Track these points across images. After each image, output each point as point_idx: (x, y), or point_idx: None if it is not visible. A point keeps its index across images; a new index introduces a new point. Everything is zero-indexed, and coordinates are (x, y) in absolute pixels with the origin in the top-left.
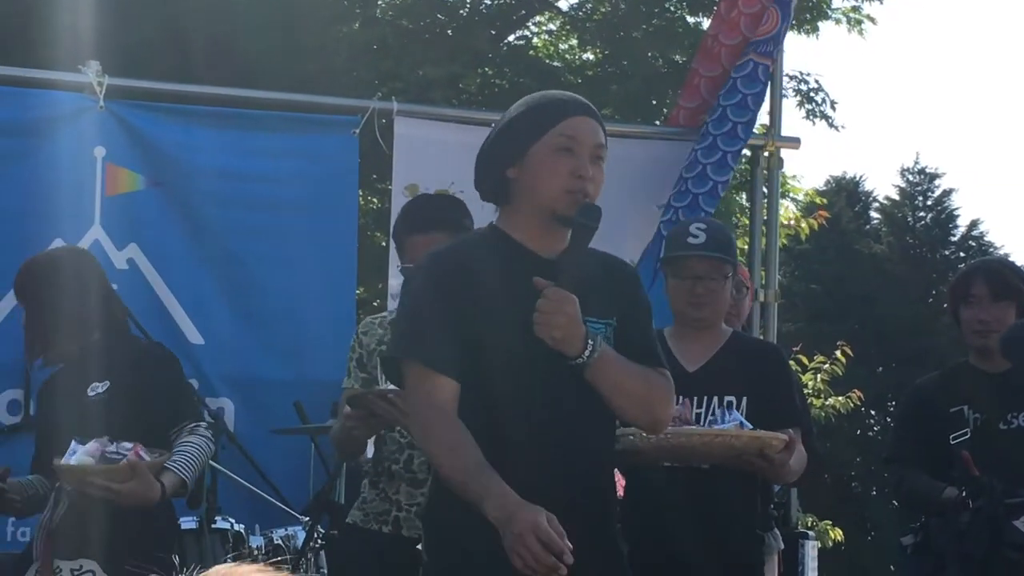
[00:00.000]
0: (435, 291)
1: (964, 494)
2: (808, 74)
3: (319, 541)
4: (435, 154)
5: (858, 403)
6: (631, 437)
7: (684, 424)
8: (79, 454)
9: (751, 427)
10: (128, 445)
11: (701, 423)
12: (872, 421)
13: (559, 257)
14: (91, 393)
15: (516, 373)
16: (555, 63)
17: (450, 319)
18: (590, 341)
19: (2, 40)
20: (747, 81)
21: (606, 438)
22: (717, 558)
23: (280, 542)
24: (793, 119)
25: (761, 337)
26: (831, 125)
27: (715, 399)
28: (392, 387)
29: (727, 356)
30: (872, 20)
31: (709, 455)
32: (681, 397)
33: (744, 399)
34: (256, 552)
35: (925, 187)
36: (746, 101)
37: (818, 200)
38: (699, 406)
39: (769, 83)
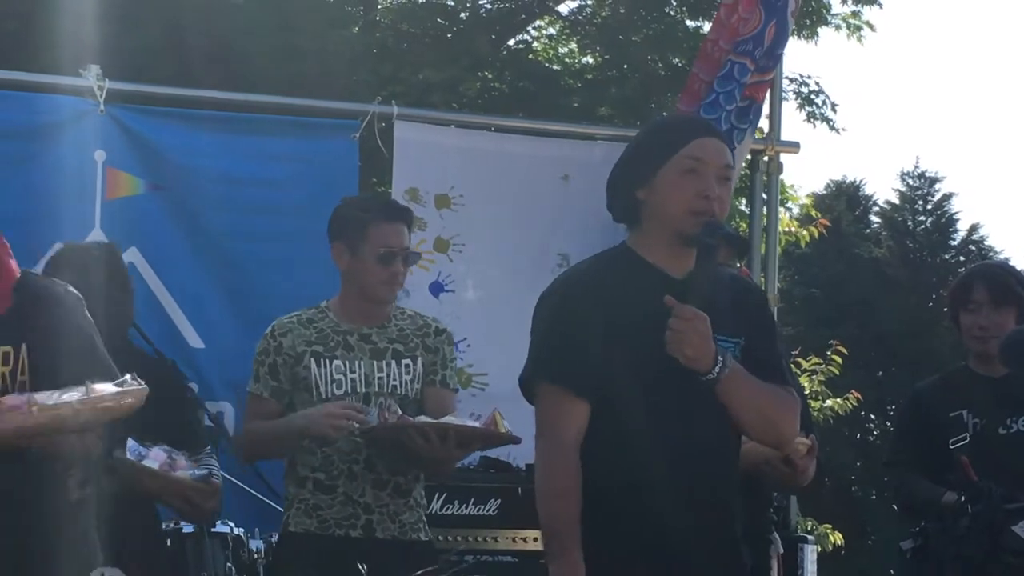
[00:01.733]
0: (571, 313)
1: (963, 499)
2: (808, 76)
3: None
4: (435, 158)
5: (856, 404)
6: None
7: None
8: (149, 460)
9: None
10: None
11: None
12: (872, 425)
13: (688, 275)
14: None
15: (650, 391)
16: (555, 67)
17: (586, 341)
18: (720, 358)
19: (2, 44)
20: (722, 80)
21: (735, 457)
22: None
23: None
24: (794, 122)
25: None
26: (832, 128)
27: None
28: (425, 419)
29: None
30: (871, 27)
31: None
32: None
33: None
34: (256, 556)
35: (925, 191)
36: (718, 100)
37: (814, 213)
38: None
39: (743, 82)
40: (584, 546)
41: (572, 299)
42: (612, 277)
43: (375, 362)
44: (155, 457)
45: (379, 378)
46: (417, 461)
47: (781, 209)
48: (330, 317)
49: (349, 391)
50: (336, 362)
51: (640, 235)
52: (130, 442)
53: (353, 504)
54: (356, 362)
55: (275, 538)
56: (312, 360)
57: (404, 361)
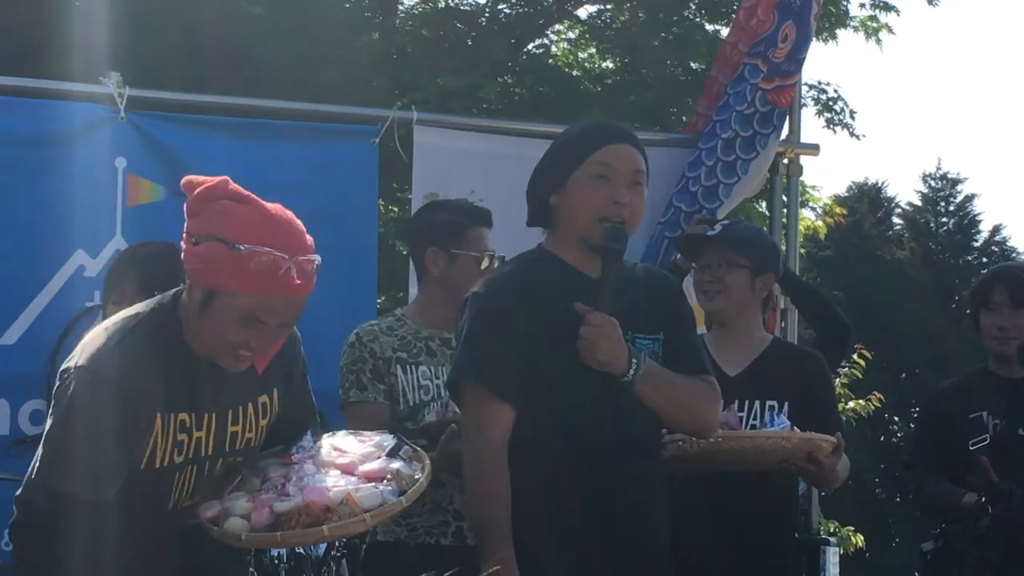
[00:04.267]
0: (493, 314)
1: (984, 500)
2: (827, 84)
3: (341, 550)
4: (455, 163)
5: (878, 405)
6: (680, 443)
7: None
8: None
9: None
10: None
11: (744, 428)
12: (895, 427)
13: (596, 281)
14: None
15: (572, 391)
16: (574, 72)
17: (508, 342)
18: (634, 360)
19: (19, 52)
20: (734, 82)
21: (656, 452)
22: (758, 564)
23: (302, 551)
24: (814, 127)
25: None
26: (852, 134)
27: (756, 404)
28: None
29: (768, 361)
30: (890, 30)
31: (759, 459)
32: (725, 403)
33: (785, 404)
34: (277, 561)
35: (947, 192)
36: (728, 101)
37: (837, 209)
38: (740, 410)
39: (754, 83)
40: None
41: (494, 300)
42: (533, 278)
43: None
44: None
45: None
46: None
47: (802, 211)
48: (408, 324)
49: (436, 396)
50: (422, 368)
51: (555, 238)
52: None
53: (443, 511)
54: (440, 367)
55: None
56: (399, 367)
57: None
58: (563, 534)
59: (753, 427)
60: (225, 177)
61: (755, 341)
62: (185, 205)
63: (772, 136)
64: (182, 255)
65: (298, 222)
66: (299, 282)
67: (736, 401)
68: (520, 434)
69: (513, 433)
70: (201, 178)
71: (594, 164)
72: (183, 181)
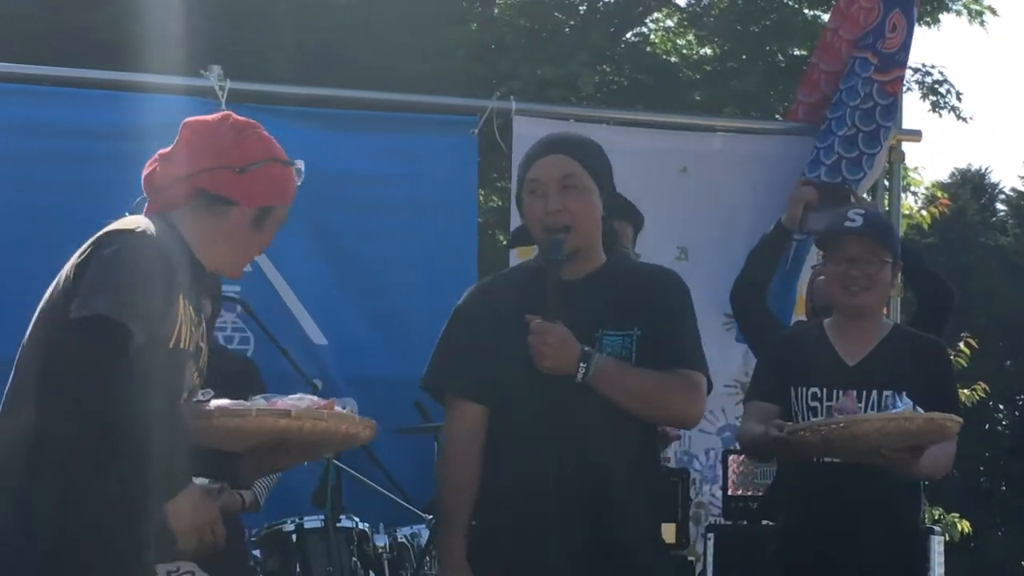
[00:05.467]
0: (463, 321)
1: None
2: (932, 67)
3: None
4: None
5: (983, 395)
6: (803, 433)
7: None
8: None
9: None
10: None
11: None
12: (1000, 415)
13: (579, 278)
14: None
15: (536, 390)
16: (673, 59)
17: (472, 347)
18: (582, 364)
19: (114, 45)
20: (846, 78)
21: (626, 449)
22: (888, 554)
23: (404, 540)
24: (918, 112)
25: None
26: (959, 117)
27: (874, 393)
28: None
29: (889, 349)
30: (993, 11)
31: (882, 442)
32: (841, 391)
33: (903, 394)
34: (381, 551)
35: None
36: (841, 97)
37: (939, 194)
38: (859, 400)
39: (866, 76)
40: (474, 533)
41: (467, 308)
42: (505, 285)
43: None
44: None
45: None
46: None
47: (905, 195)
48: None
49: None
50: None
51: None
52: None
53: None
54: None
55: (399, 533)
56: None
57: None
58: (537, 526)
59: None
60: (227, 112)
61: (877, 328)
62: (201, 143)
63: (893, 127)
64: (214, 185)
65: None
66: None
67: (853, 391)
68: (493, 431)
69: (489, 434)
70: (198, 117)
71: (528, 184)
72: (182, 123)
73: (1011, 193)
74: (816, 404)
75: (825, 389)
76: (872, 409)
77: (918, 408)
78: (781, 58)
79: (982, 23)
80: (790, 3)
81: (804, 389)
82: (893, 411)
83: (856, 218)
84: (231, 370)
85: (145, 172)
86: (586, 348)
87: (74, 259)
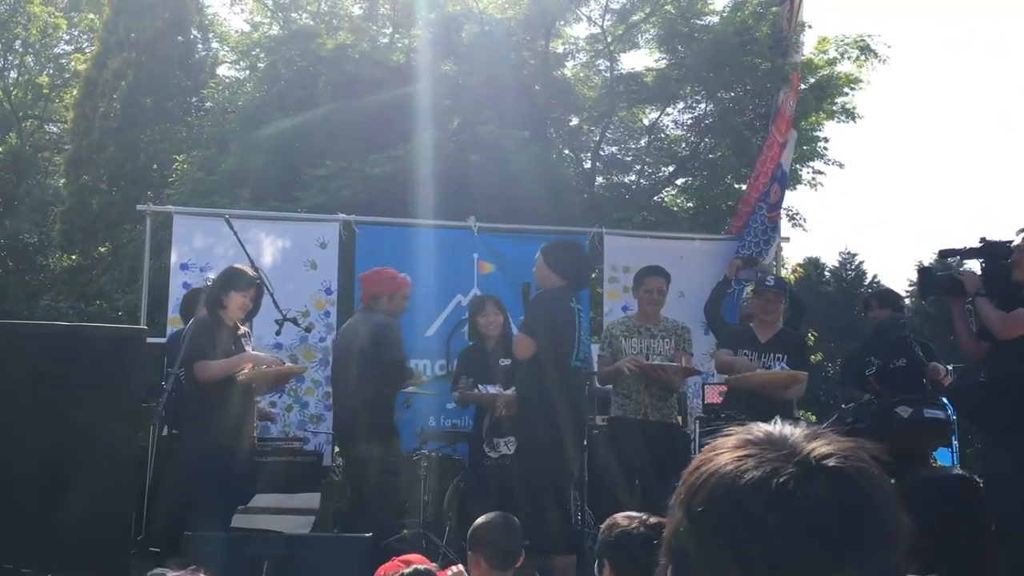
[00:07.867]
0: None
1: None
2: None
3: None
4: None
5: (819, 360)
6: (736, 379)
7: (748, 370)
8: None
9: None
10: None
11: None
12: (828, 371)
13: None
14: None
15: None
16: (674, 208)
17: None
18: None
19: (397, 197)
20: (753, 214)
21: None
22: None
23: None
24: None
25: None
26: (797, 226)
27: (769, 355)
28: (663, 362)
29: (778, 336)
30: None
31: (768, 384)
32: (751, 353)
33: (785, 357)
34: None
35: None
36: (751, 222)
37: (798, 268)
38: (765, 359)
39: (764, 213)
40: None
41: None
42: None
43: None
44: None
45: (659, 352)
46: (661, 383)
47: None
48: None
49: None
50: (632, 340)
51: None
52: None
53: (638, 403)
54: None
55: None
56: (622, 340)
57: (667, 341)
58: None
59: (768, 368)
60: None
61: (775, 327)
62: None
63: (777, 236)
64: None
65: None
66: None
67: (762, 355)
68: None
69: None
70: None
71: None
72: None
73: (832, 267)
74: (746, 357)
75: (750, 351)
76: (770, 367)
77: (786, 367)
78: (724, 207)
79: (820, 186)
80: (736, 186)
81: (742, 350)
82: (775, 369)
83: (771, 280)
84: None
85: None
86: None
87: None
